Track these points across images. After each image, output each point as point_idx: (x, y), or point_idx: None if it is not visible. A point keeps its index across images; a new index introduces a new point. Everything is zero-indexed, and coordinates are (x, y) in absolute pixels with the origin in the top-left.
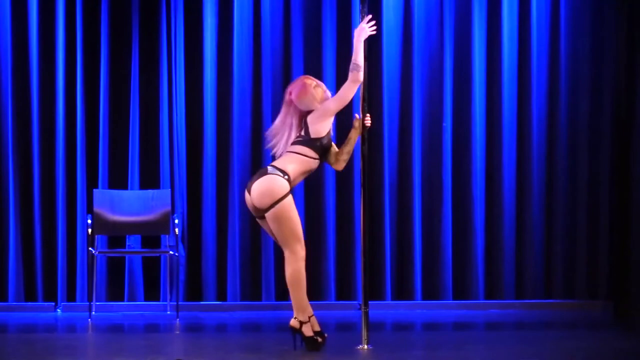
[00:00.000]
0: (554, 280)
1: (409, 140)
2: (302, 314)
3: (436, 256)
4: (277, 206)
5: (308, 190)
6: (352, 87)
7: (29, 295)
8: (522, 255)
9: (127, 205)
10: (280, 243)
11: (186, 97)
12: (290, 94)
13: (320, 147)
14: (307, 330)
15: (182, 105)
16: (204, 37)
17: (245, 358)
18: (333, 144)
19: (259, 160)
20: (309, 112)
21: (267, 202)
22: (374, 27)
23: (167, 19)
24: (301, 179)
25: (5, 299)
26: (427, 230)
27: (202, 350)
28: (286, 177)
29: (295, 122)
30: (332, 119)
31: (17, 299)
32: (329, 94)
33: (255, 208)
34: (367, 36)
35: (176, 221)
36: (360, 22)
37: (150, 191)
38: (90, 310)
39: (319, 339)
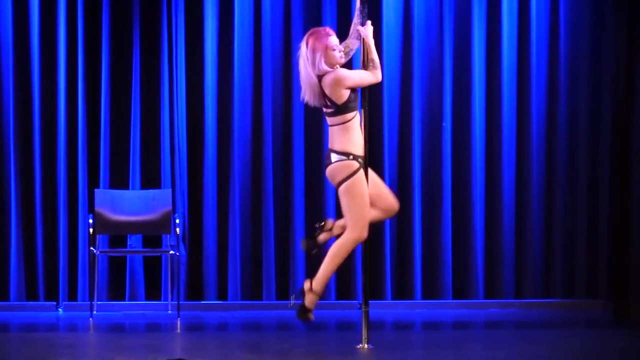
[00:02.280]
0: (553, 280)
1: (409, 141)
2: (319, 285)
3: (436, 256)
4: (346, 182)
5: (308, 190)
6: (371, 81)
7: (31, 294)
8: (521, 255)
9: (128, 205)
10: (346, 221)
11: (187, 97)
12: (306, 45)
13: (351, 105)
14: (310, 300)
15: (182, 106)
16: (204, 38)
17: (246, 357)
18: None
19: (260, 160)
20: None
21: (338, 179)
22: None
23: (168, 20)
24: (361, 136)
25: (7, 299)
26: (427, 230)
27: (203, 350)
28: (350, 157)
29: (311, 70)
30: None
31: (18, 298)
32: (341, 57)
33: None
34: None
35: (177, 221)
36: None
37: (151, 191)
38: (91, 310)
39: (311, 316)
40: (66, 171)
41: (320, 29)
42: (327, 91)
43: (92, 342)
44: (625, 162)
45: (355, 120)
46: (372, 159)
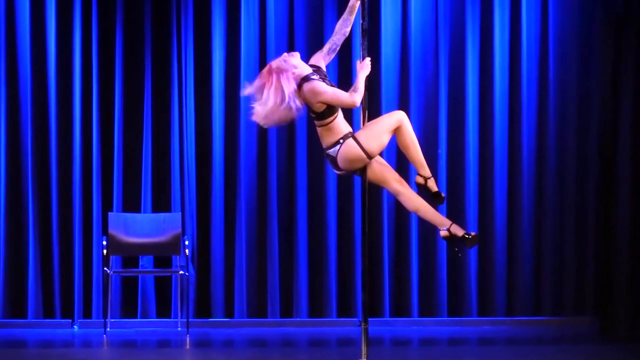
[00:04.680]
0: (543, 298)
1: (405, 167)
2: (443, 224)
3: (432, 275)
4: (362, 147)
5: (311, 213)
6: (345, 101)
7: (47, 312)
8: (512, 275)
9: (140, 227)
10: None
11: (196, 125)
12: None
13: (331, 110)
14: (457, 230)
15: (191, 134)
16: (212, 68)
17: None
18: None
19: (265, 184)
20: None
21: (351, 156)
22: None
23: (177, 51)
24: (345, 124)
25: (24, 316)
26: (423, 251)
27: None
28: (341, 140)
29: (286, 89)
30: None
31: (36, 316)
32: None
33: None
34: (368, 73)
35: (186, 242)
36: (361, 58)
37: (162, 214)
38: (105, 327)
39: (472, 233)
40: (81, 195)
41: (279, 59)
42: (307, 101)
43: (106, 358)
44: (611, 187)
45: (339, 117)
46: (371, 185)
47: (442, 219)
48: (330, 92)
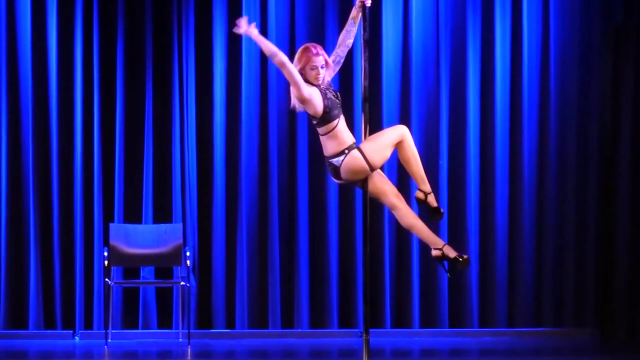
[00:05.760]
0: (544, 309)
1: (406, 179)
2: (436, 244)
3: (433, 286)
4: (366, 159)
5: (312, 224)
6: (286, 72)
7: (48, 323)
8: (513, 286)
9: (141, 238)
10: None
11: (197, 136)
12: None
13: (333, 113)
14: (450, 252)
15: (193, 145)
16: (214, 80)
17: None
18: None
19: (266, 196)
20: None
21: (355, 168)
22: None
23: (179, 63)
24: (349, 134)
25: (25, 327)
26: (424, 263)
27: None
28: (346, 150)
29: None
30: (316, 98)
31: (37, 326)
32: (317, 78)
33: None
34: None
35: (187, 253)
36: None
37: (163, 225)
38: (106, 338)
39: (464, 256)
40: (82, 206)
41: (313, 46)
42: (304, 108)
43: None
44: (610, 200)
45: (340, 124)
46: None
47: (436, 239)
48: (295, 91)
